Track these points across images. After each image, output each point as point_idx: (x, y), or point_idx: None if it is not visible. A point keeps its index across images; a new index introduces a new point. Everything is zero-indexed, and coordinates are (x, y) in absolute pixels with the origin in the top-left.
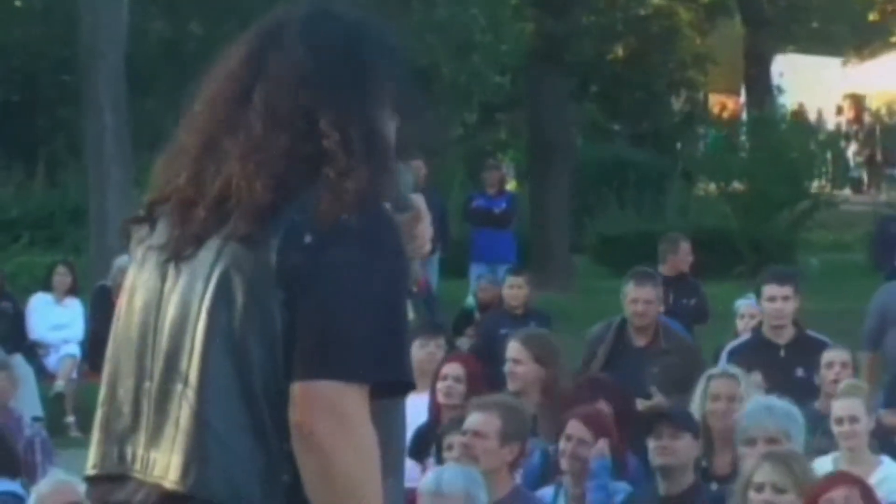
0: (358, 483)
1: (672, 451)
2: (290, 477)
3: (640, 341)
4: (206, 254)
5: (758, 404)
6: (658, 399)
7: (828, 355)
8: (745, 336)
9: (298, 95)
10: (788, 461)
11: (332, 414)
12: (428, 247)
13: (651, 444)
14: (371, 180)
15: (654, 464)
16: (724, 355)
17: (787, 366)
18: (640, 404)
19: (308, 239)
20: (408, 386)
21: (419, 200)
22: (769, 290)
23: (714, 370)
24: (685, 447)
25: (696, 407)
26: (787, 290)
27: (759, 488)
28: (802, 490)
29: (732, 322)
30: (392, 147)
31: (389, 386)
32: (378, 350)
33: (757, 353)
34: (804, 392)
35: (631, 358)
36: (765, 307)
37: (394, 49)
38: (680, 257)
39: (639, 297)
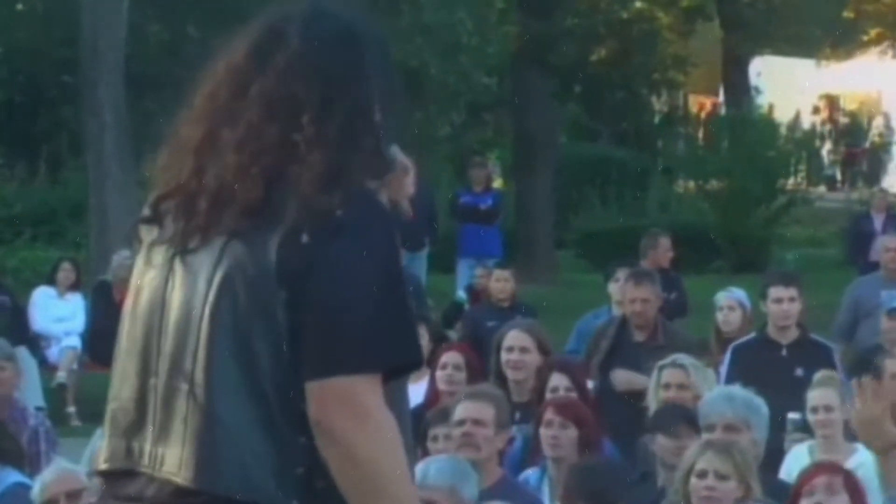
0: (385, 470)
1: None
2: (305, 469)
3: (639, 336)
4: (209, 253)
5: (719, 392)
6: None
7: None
8: (750, 335)
9: (292, 87)
10: (730, 449)
11: (348, 408)
12: (413, 189)
13: (665, 442)
14: (340, 153)
15: (667, 462)
16: (728, 352)
17: (787, 365)
18: None
19: (305, 238)
20: (417, 363)
21: (402, 156)
22: (775, 291)
23: (664, 361)
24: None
25: (651, 395)
26: (792, 291)
27: (702, 475)
28: (742, 478)
29: (711, 315)
30: (377, 133)
31: (400, 367)
32: (384, 337)
33: (760, 352)
34: (803, 391)
35: (631, 352)
36: (770, 309)
37: (383, 45)
38: (660, 252)
39: (636, 297)
